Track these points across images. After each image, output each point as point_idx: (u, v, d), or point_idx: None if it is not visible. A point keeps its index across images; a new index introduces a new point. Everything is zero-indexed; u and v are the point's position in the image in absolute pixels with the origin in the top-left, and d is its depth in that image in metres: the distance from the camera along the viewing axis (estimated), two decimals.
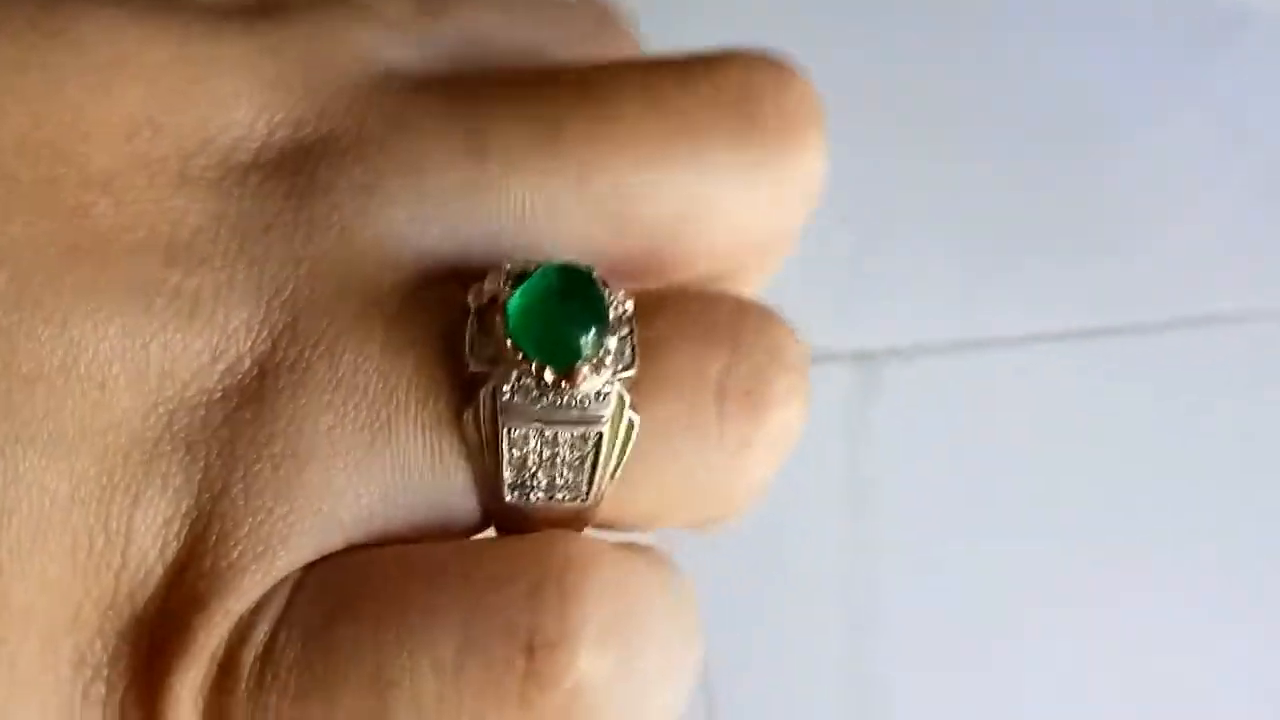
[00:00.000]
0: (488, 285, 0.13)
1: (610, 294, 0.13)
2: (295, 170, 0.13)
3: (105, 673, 0.12)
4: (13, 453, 0.12)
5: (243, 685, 0.12)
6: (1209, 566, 0.27)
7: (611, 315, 0.13)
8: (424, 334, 0.13)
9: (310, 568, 0.13)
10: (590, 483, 0.13)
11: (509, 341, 0.13)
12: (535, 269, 0.13)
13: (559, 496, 0.13)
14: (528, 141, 0.14)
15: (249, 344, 0.13)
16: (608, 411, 0.13)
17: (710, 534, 0.15)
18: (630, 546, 0.13)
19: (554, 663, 0.12)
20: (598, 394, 0.13)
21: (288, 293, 0.13)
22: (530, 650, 0.12)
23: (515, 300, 0.13)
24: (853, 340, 0.29)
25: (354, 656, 0.12)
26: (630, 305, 0.13)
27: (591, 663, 0.12)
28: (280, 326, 0.13)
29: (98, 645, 0.12)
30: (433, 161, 0.13)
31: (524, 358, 0.13)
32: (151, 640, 0.12)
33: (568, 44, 0.16)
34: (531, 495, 0.13)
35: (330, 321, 0.13)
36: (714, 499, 0.14)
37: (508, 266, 0.13)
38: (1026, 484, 0.28)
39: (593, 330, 0.13)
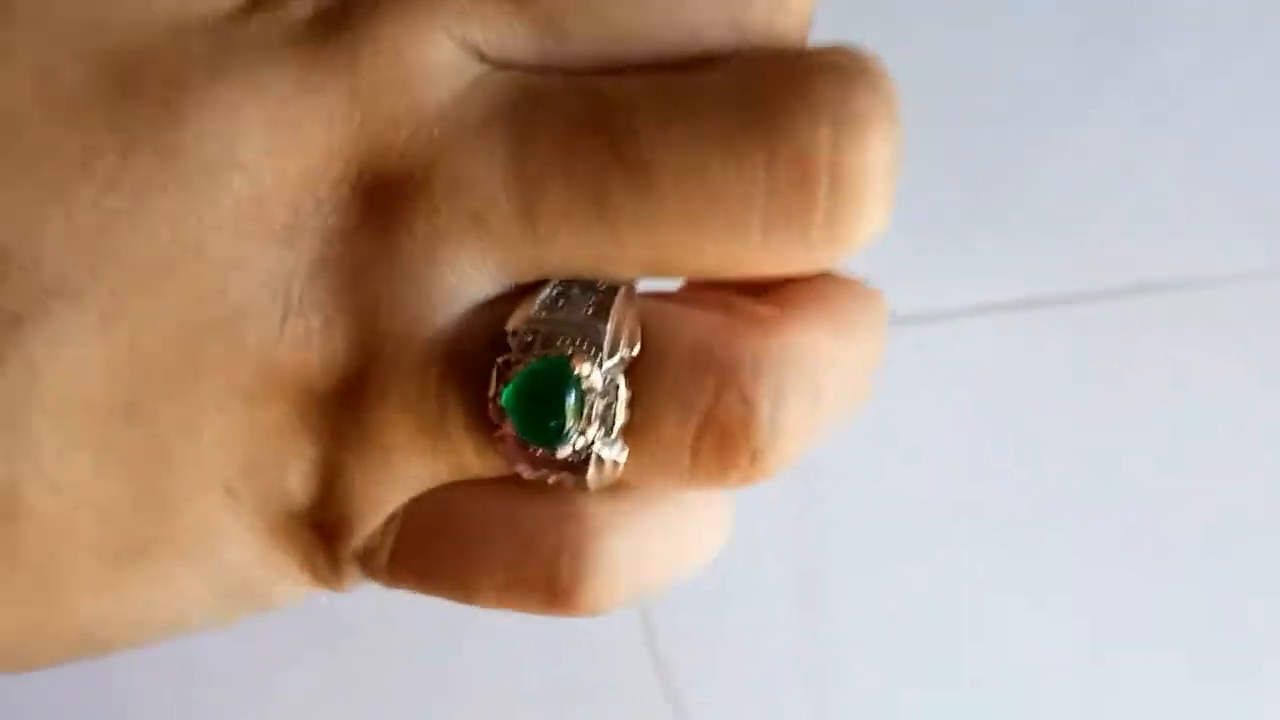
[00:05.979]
0: (512, 338, 0.16)
1: (591, 374, 0.16)
2: (381, 208, 0.16)
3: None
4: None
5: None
6: (1149, 535, 0.29)
7: (598, 391, 0.15)
8: (470, 369, 0.16)
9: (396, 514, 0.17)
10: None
11: (508, 424, 0.16)
12: (523, 368, 0.15)
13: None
14: (574, 210, 0.15)
15: (340, 368, 0.16)
16: (587, 472, 0.16)
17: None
18: None
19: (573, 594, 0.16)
20: (583, 454, 0.16)
21: (368, 334, 0.16)
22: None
23: (506, 396, 0.15)
24: None
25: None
26: (621, 378, 0.16)
27: (599, 597, 0.16)
28: (360, 363, 0.16)
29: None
30: (491, 216, 0.16)
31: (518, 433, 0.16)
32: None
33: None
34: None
35: (401, 361, 0.16)
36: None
37: (527, 335, 0.16)
38: (974, 455, 0.29)
39: (565, 426, 0.15)
